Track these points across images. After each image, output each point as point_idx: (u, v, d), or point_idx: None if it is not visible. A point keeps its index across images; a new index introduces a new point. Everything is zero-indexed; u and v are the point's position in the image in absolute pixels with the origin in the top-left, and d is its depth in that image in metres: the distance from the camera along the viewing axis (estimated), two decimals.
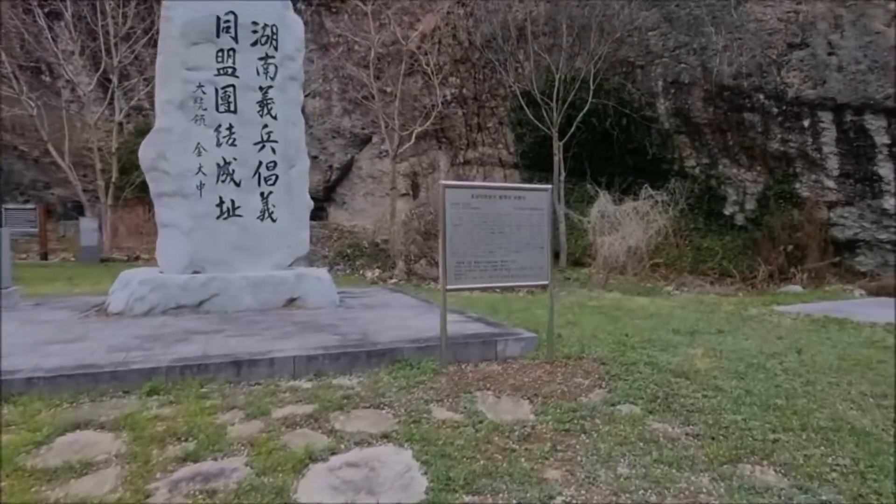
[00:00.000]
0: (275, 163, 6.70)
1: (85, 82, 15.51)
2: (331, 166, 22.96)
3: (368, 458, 2.80)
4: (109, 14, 14.79)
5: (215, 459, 2.72)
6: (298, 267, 7.00)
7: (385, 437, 3.02)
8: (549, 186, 4.59)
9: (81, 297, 7.45)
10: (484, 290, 4.74)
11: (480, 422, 3.24)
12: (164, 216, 6.38)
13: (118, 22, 15.02)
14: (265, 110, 6.64)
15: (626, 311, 7.92)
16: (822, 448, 3.08)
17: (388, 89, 16.18)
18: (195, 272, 6.24)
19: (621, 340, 5.32)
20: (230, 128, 6.45)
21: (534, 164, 17.25)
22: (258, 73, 6.58)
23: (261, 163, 6.63)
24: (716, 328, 6.41)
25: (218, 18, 6.30)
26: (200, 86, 6.28)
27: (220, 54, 6.37)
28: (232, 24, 6.39)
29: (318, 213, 22.99)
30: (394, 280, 12.14)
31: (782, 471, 2.85)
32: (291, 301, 6.43)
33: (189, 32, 6.22)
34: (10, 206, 13.68)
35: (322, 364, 4.05)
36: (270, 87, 6.65)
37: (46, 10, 14.87)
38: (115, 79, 15.25)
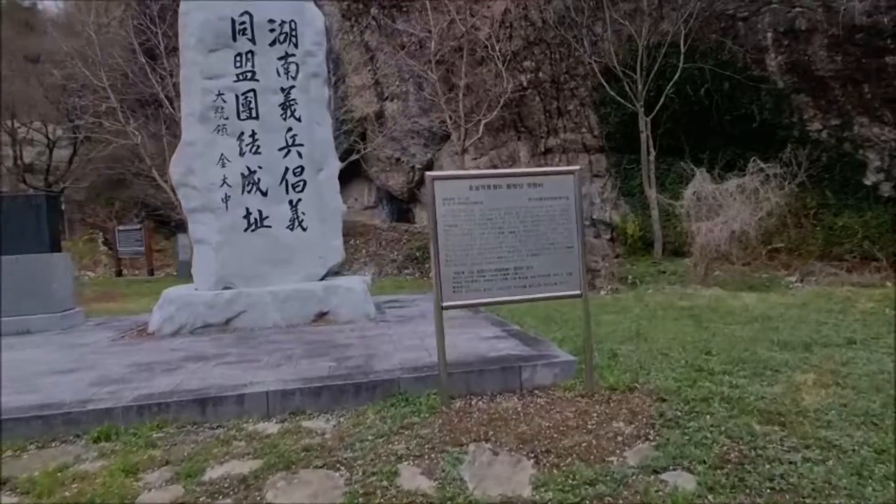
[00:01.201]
0: (302, 168, 6.28)
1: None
2: (413, 167, 22.79)
3: None
4: None
5: None
6: (335, 277, 6.53)
7: None
8: (576, 168, 3.56)
9: (143, 316, 7.63)
10: (496, 304, 3.87)
11: (452, 498, 2.39)
12: (196, 232, 6.22)
13: None
14: (288, 112, 6.23)
15: (722, 313, 6.47)
16: None
17: (462, 82, 15.46)
18: (226, 288, 6.00)
19: (697, 361, 4.11)
20: (253, 135, 6.12)
21: (621, 145, 15.59)
22: (279, 74, 6.19)
23: (287, 169, 6.24)
24: (845, 337, 4.87)
25: (233, 21, 5.99)
26: (220, 94, 6.02)
27: (238, 59, 6.06)
28: (248, 25, 6.05)
29: (404, 215, 23.00)
30: None
31: None
32: (322, 315, 5.95)
33: (205, 38, 5.98)
34: (121, 227, 15.10)
35: (300, 401, 3.43)
36: (292, 87, 6.23)
37: (143, 47, 16.15)
38: None
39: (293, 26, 6.20)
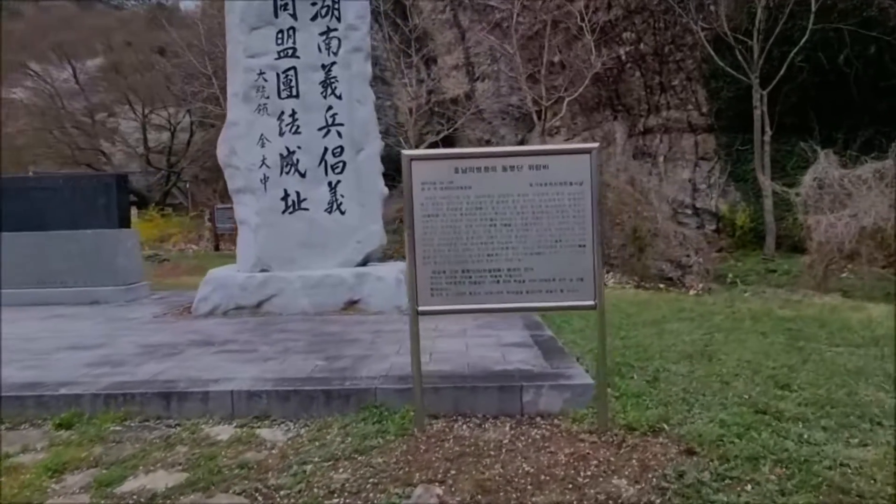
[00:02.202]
0: (341, 148, 5.98)
1: None
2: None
3: None
4: None
5: None
6: (375, 264, 6.22)
7: None
8: (593, 146, 2.79)
9: None
10: (479, 313, 3.21)
11: None
12: (239, 213, 6.20)
13: None
14: (329, 90, 5.94)
15: (833, 329, 5.22)
16: None
17: (545, 58, 14.43)
18: (263, 270, 5.92)
19: (765, 398, 3.17)
20: (293, 114, 5.93)
21: (734, 124, 13.69)
22: (320, 50, 5.91)
23: (326, 149, 5.98)
24: None
25: None
26: (262, 73, 5.88)
27: (279, 35, 5.87)
28: (290, 0, 5.82)
29: None
30: None
31: None
32: (352, 303, 5.67)
33: (248, 16, 5.85)
34: (219, 206, 16.17)
35: (266, 404, 3.11)
36: (334, 63, 5.92)
37: None
38: None
39: None
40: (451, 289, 2.81)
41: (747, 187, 13.43)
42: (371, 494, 2.28)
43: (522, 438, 2.77)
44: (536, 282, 2.80)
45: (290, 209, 5.99)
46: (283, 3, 5.83)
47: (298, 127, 5.94)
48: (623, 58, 15.60)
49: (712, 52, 12.21)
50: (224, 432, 2.92)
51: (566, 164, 2.76)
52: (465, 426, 2.93)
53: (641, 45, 15.35)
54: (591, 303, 2.79)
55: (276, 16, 5.85)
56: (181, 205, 22.34)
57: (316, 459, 2.58)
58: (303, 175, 5.97)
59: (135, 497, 2.29)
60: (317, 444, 2.76)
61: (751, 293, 8.03)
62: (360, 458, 2.59)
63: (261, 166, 5.95)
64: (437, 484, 2.34)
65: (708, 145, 14.88)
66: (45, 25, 22.00)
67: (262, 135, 5.93)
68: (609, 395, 3.20)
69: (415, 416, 2.87)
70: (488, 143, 23.58)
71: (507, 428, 2.90)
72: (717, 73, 13.05)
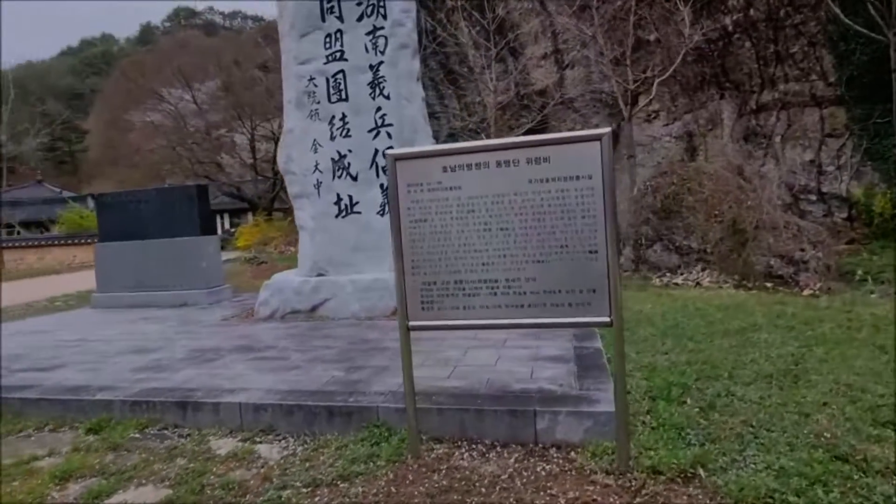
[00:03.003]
0: (392, 149, 5.85)
1: None
2: None
3: None
4: None
5: None
6: None
7: None
8: (604, 131, 2.32)
9: None
10: (473, 329, 2.77)
11: None
12: (298, 218, 6.35)
13: None
14: (377, 91, 5.85)
15: None
16: None
17: (630, 39, 13.33)
18: (319, 275, 6.00)
19: (855, 438, 2.48)
20: (343, 118, 5.92)
21: (869, 93, 11.68)
22: (367, 50, 5.83)
23: (377, 151, 5.90)
24: None
25: (321, 1, 5.81)
26: (312, 78, 5.93)
27: (327, 39, 5.88)
28: (336, 2, 5.81)
29: None
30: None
31: None
32: None
33: (297, 23, 5.93)
34: None
35: (271, 418, 3.03)
36: (381, 62, 5.82)
37: None
38: None
39: None
40: (443, 302, 2.52)
41: (888, 167, 11.36)
42: None
43: (525, 474, 2.40)
44: (539, 294, 2.41)
45: (343, 213, 5.99)
46: (329, 5, 5.83)
47: (349, 130, 5.92)
48: (730, 28, 13.97)
49: (838, 11, 10.46)
50: (225, 446, 2.88)
51: (572, 156, 2.34)
52: (466, 454, 2.62)
53: (751, 12, 13.62)
54: (605, 319, 2.34)
55: (324, 20, 5.87)
56: (289, 209, 24.04)
57: (297, 484, 2.43)
58: (354, 178, 5.94)
59: None
60: (306, 465, 2.61)
61: (879, 294, 6.66)
62: (342, 485, 2.40)
63: (314, 171, 6.01)
64: None
65: (837, 120, 12.83)
66: (170, 53, 24.72)
67: (314, 140, 5.99)
68: (647, 423, 2.71)
69: (408, 442, 2.62)
70: None
71: (513, 460, 2.54)
72: (847, 35, 11.18)
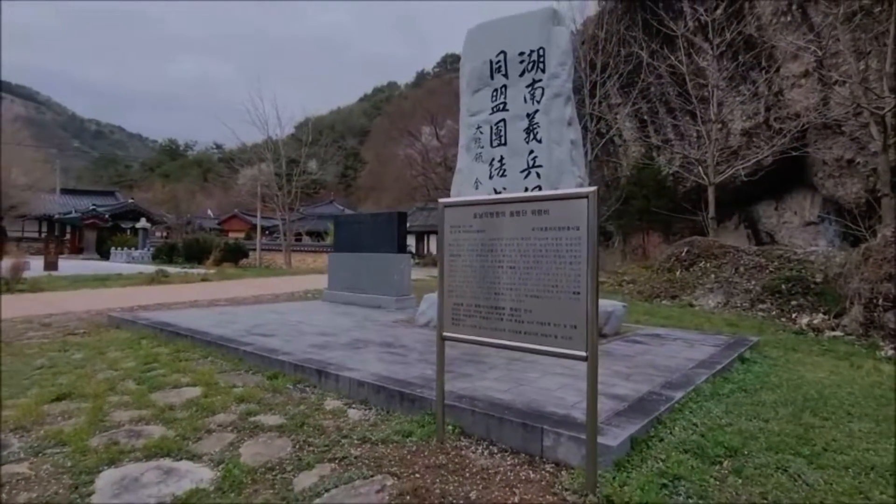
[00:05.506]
0: (539, 188, 6.50)
1: None
2: (874, 170, 17.42)
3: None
4: None
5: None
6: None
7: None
8: (590, 189, 2.66)
9: None
10: (482, 345, 3.02)
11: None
12: None
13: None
14: (531, 136, 6.58)
15: None
16: None
17: (893, 31, 11.01)
18: None
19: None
20: (501, 160, 6.80)
21: None
22: (525, 101, 6.62)
23: (526, 189, 6.60)
24: None
25: (490, 62, 6.83)
26: (479, 127, 6.98)
27: (494, 94, 6.86)
28: (503, 63, 6.76)
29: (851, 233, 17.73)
30: (838, 332, 8.30)
31: None
32: None
33: (471, 82, 7.05)
34: None
35: (367, 392, 4.06)
36: (536, 111, 6.54)
37: None
38: None
39: (541, 53, 6.48)
40: (466, 321, 3.17)
41: None
42: (351, 470, 2.92)
43: (508, 475, 2.87)
44: (534, 324, 2.88)
45: None
46: (497, 66, 6.80)
47: (505, 170, 6.76)
48: None
49: None
50: (331, 405, 4.00)
51: (563, 209, 2.77)
52: (478, 450, 3.19)
53: None
54: (582, 353, 2.69)
55: (492, 77, 6.86)
56: None
57: (353, 436, 3.36)
58: None
59: (252, 420, 3.58)
60: (369, 427, 3.53)
61: None
62: (379, 445, 3.24)
63: None
64: (390, 476, 2.81)
65: None
66: (426, 96, 29.26)
67: (476, 178, 7.00)
68: (650, 468, 2.87)
69: (437, 429, 3.32)
70: (851, 162, 19.09)
71: (509, 463, 3.02)
72: None
